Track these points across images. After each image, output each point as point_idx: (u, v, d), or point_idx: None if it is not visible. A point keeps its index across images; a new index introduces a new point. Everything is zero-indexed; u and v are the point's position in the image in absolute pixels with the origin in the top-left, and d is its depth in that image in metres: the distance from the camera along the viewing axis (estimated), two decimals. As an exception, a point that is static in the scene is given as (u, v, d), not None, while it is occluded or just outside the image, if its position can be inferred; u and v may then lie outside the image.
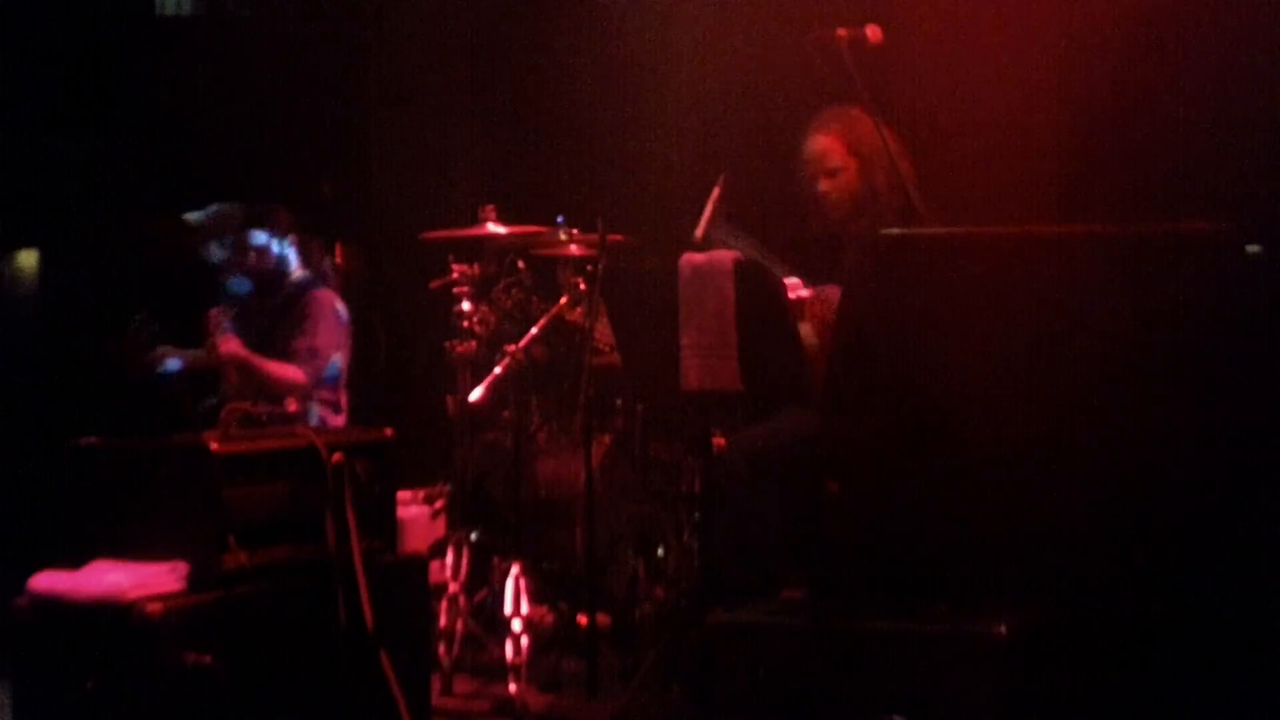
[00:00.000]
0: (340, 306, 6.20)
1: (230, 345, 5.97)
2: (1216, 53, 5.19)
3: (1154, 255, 4.26)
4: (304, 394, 6.02)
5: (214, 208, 6.25)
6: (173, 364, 5.94)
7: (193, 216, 6.26)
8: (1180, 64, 5.25)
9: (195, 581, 4.36)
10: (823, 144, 5.20)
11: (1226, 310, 4.11)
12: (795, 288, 5.17)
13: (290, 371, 6.03)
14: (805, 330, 5.05)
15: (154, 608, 4.23)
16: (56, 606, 4.36)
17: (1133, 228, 4.46)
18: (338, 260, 6.85)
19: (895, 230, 4.83)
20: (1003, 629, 3.78)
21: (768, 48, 6.12)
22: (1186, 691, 3.89)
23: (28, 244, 7.28)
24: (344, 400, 6.21)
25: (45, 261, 7.09)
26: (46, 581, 4.43)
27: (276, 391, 5.99)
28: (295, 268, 6.22)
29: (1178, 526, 4.04)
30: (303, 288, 6.19)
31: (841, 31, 5.14)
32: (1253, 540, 4.00)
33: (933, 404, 4.31)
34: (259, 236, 6.12)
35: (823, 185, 5.19)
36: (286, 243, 6.19)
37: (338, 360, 6.16)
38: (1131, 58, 5.38)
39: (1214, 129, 5.19)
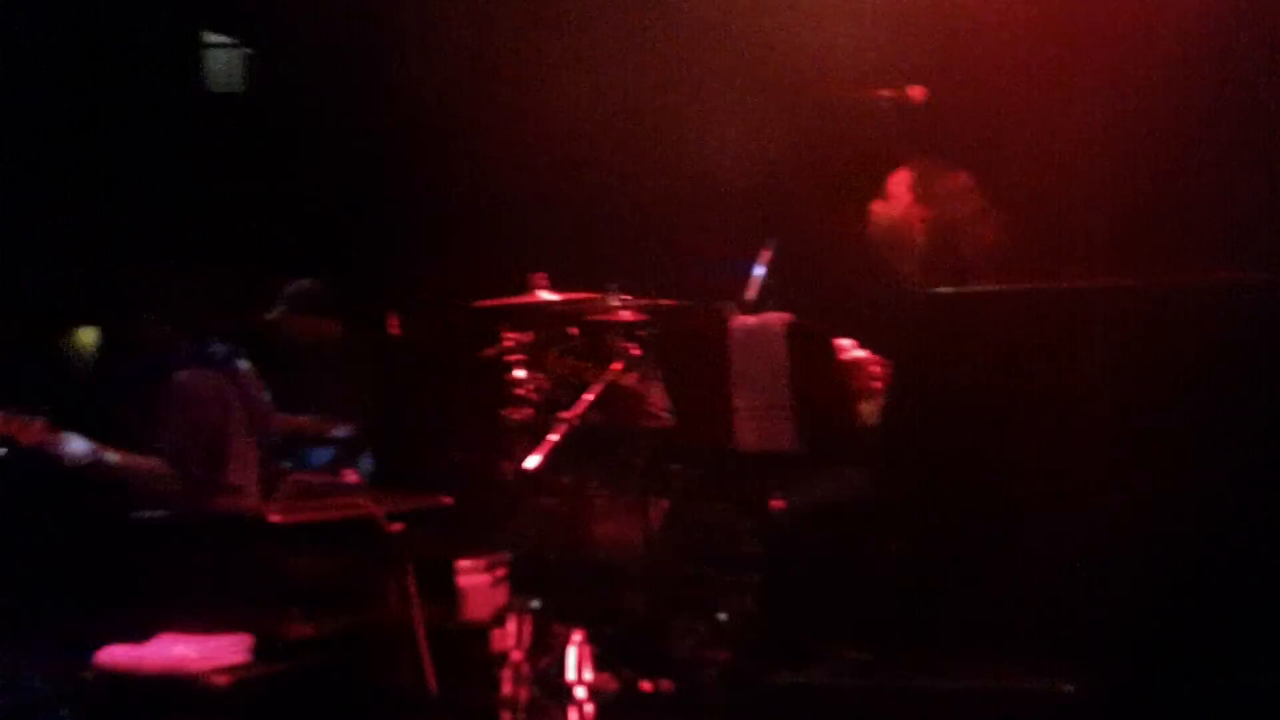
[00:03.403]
0: (199, 386, 5.65)
1: (75, 449, 5.42)
2: (1270, 101, 5.21)
3: (1206, 307, 4.25)
4: (180, 483, 5.49)
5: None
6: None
7: None
8: (1232, 112, 5.27)
9: (260, 652, 4.40)
10: (896, 174, 5.21)
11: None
12: (848, 349, 5.18)
13: (150, 465, 5.50)
14: (859, 391, 5.06)
15: (220, 679, 4.27)
16: (124, 680, 4.41)
17: (1185, 280, 4.46)
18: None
19: (947, 289, 4.84)
20: (1070, 687, 3.76)
21: (815, 111, 6.15)
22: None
23: (87, 321, 7.37)
24: (241, 480, 5.63)
25: (105, 338, 7.17)
26: (114, 655, 4.49)
27: (147, 488, 5.46)
28: (174, 347, 5.77)
29: (1244, 586, 4.02)
30: (168, 370, 5.69)
31: (885, 92, 5.16)
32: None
33: (988, 461, 4.31)
34: (145, 317, 5.77)
35: (874, 205, 5.21)
36: (173, 321, 5.77)
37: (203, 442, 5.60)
38: (1182, 107, 5.40)
39: (1266, 178, 5.20)
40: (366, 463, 6.75)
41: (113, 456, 5.42)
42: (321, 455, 6.73)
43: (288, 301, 7.14)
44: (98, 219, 7.50)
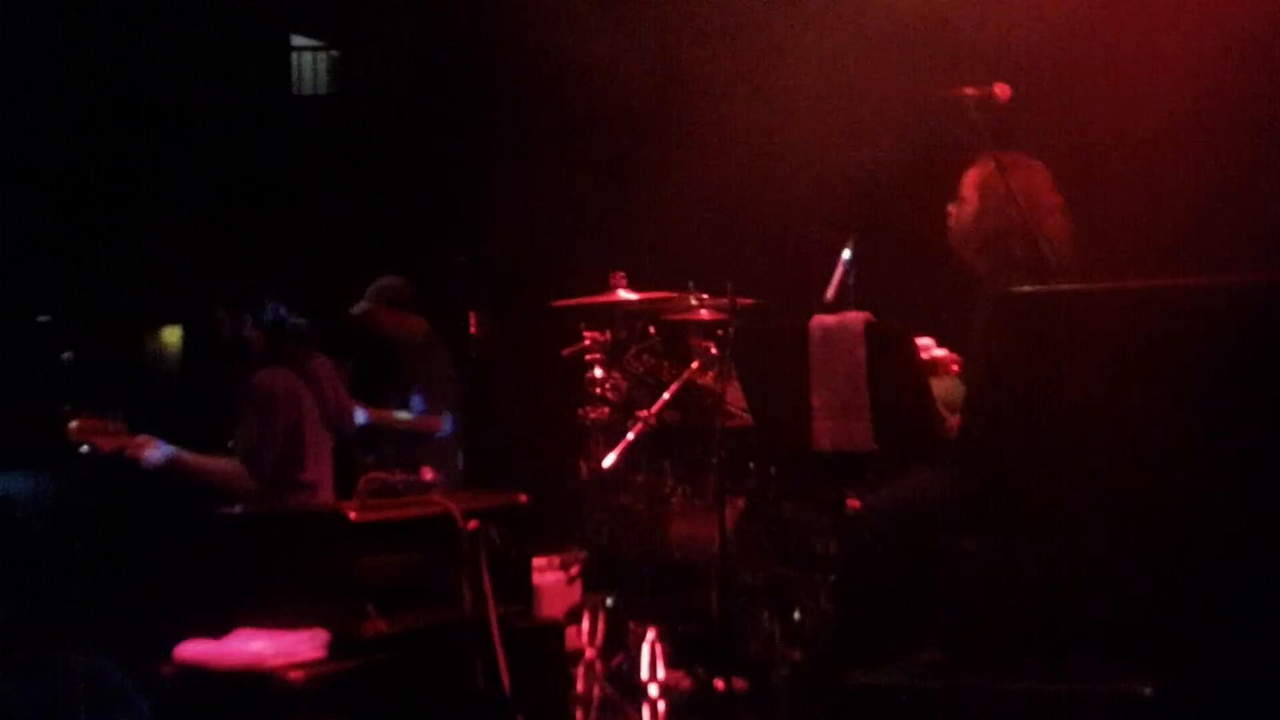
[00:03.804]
0: (275, 384, 5.64)
1: (153, 453, 5.47)
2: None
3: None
4: (254, 482, 5.51)
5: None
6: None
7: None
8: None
9: (335, 649, 4.42)
10: (967, 174, 5.17)
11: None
12: (928, 348, 5.14)
13: (226, 465, 5.53)
14: (939, 390, 5.01)
15: (296, 675, 4.30)
16: (201, 674, 4.44)
17: (1268, 278, 4.37)
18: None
19: (1025, 288, 4.78)
20: (1148, 689, 3.70)
21: (896, 108, 6.12)
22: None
23: (171, 321, 7.47)
24: (316, 476, 5.70)
25: (188, 337, 7.25)
26: (191, 650, 4.53)
27: (224, 488, 5.51)
28: (257, 347, 5.73)
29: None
30: (249, 370, 5.67)
31: (969, 90, 5.09)
32: None
33: (1067, 461, 4.25)
34: (220, 313, 5.74)
35: (949, 208, 5.18)
36: (252, 323, 5.72)
37: (276, 439, 5.59)
38: (1268, 105, 5.32)
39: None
40: (417, 401, 6.73)
41: (190, 459, 5.49)
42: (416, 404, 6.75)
43: (374, 296, 7.17)
44: (183, 219, 7.58)
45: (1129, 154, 5.56)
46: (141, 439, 5.44)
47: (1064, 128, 5.71)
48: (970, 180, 5.10)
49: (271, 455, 5.48)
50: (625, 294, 5.74)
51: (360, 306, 7.13)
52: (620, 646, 5.48)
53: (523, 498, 4.89)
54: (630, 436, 5.40)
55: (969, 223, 5.08)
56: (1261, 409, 3.99)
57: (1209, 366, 4.11)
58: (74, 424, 5.40)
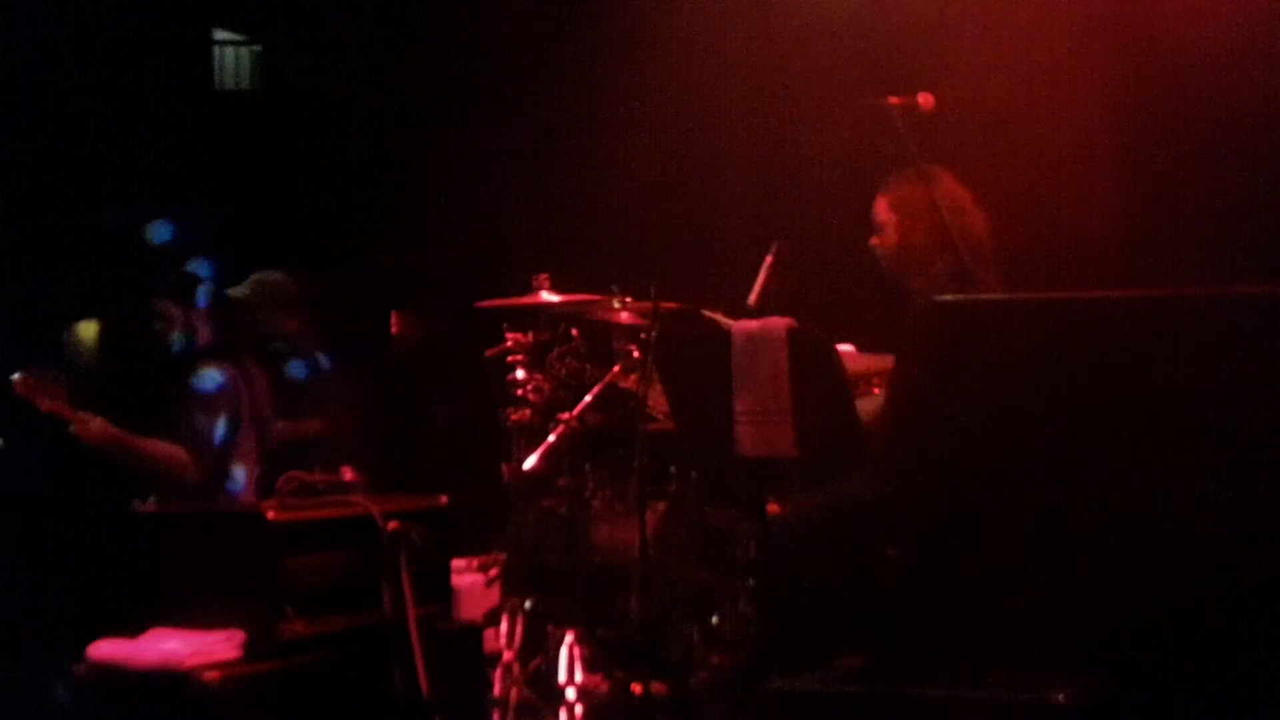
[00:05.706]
0: (217, 375, 5.73)
1: (94, 428, 5.54)
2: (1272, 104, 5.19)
3: (1216, 319, 4.21)
4: (199, 471, 5.59)
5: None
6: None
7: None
8: (1240, 125, 5.25)
9: (252, 650, 4.40)
10: (876, 202, 5.26)
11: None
12: (849, 355, 5.16)
13: (170, 449, 5.62)
14: (860, 397, 5.04)
15: (211, 676, 4.26)
16: (115, 674, 4.40)
17: (1193, 291, 4.42)
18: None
19: (950, 297, 4.82)
20: (1061, 696, 3.74)
21: (822, 115, 6.15)
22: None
23: (88, 315, 7.36)
24: (239, 472, 5.71)
25: (105, 333, 7.14)
26: (106, 649, 4.48)
27: (162, 471, 5.58)
28: (203, 340, 5.83)
29: (1245, 596, 3.98)
30: (194, 361, 5.78)
31: (893, 99, 5.13)
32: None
33: (989, 469, 4.29)
34: (169, 307, 5.80)
35: (872, 240, 5.25)
36: (201, 314, 5.82)
37: (220, 431, 5.69)
38: (1191, 118, 5.38)
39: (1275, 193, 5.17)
40: None
41: (132, 439, 5.48)
42: None
43: (252, 287, 6.66)
44: (100, 215, 7.49)
45: (1054, 163, 5.61)
46: (84, 415, 5.42)
47: (989, 137, 5.75)
48: (882, 205, 5.17)
49: (219, 447, 5.46)
50: (549, 296, 5.73)
51: (236, 291, 6.57)
52: (539, 649, 5.46)
53: (443, 499, 4.87)
54: (552, 439, 5.39)
55: (894, 247, 5.15)
56: (1180, 417, 4.04)
57: (1129, 376, 4.16)
58: (17, 377, 5.39)
